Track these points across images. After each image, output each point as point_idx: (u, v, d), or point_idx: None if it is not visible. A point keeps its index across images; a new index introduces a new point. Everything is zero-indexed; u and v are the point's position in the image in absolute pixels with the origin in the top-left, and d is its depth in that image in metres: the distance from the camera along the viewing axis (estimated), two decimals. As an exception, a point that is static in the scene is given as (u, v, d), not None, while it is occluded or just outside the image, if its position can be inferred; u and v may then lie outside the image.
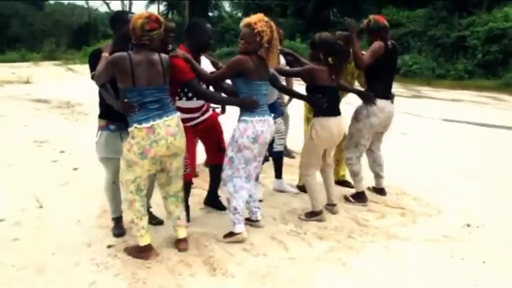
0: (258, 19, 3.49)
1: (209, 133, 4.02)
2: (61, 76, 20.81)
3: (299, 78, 4.18)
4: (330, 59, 3.99)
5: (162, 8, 40.89)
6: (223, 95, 3.85)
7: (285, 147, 5.78)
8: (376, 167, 4.78)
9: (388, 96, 4.51)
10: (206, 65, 3.95)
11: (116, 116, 3.46)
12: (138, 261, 3.33)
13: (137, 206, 3.36)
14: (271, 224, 4.04)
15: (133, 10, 41.73)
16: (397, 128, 8.23)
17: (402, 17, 21.39)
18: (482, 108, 11.84)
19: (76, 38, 42.53)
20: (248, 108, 3.53)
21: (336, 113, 4.06)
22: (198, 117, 3.93)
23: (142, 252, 3.40)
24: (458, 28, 19.09)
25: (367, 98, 4.42)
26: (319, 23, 20.86)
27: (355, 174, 4.58)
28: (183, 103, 3.82)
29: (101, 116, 3.65)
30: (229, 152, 3.62)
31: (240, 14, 35.27)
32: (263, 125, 3.57)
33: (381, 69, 4.37)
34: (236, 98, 3.61)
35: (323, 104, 3.95)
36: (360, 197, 4.55)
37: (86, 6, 52.97)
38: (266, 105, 3.70)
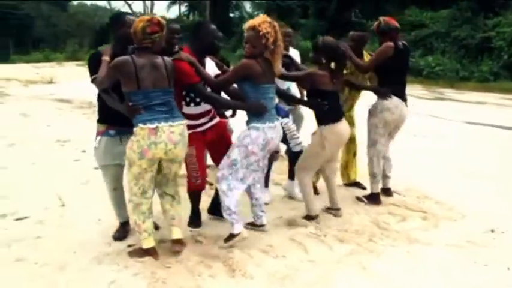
0: (261, 21, 3.45)
1: (218, 146, 3.88)
2: (83, 76, 20.91)
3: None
4: (332, 63, 3.97)
5: (183, 8, 41.21)
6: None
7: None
8: (384, 166, 4.76)
9: (402, 96, 4.50)
10: (211, 67, 3.87)
11: (116, 121, 3.48)
12: (158, 261, 3.35)
13: (142, 209, 3.37)
14: (290, 226, 4.03)
15: (154, 11, 42.08)
16: (418, 131, 8.15)
17: (425, 17, 21.12)
18: (507, 111, 11.61)
19: (98, 39, 43.06)
20: (256, 112, 3.50)
21: (341, 116, 4.04)
22: (206, 123, 3.83)
23: (144, 255, 3.39)
24: (484, 29, 18.75)
25: (382, 93, 4.44)
26: (341, 24, 20.73)
27: (373, 176, 4.59)
28: (191, 109, 3.74)
29: (100, 121, 3.63)
30: (234, 155, 3.55)
31: (261, 15, 35.33)
32: (273, 132, 3.56)
33: (392, 70, 4.39)
34: (243, 102, 3.57)
35: (324, 107, 3.91)
36: (373, 198, 4.57)
37: (108, 7, 53.60)
38: (274, 109, 3.67)
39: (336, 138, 3.96)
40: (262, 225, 3.89)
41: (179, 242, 3.51)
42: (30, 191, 5.01)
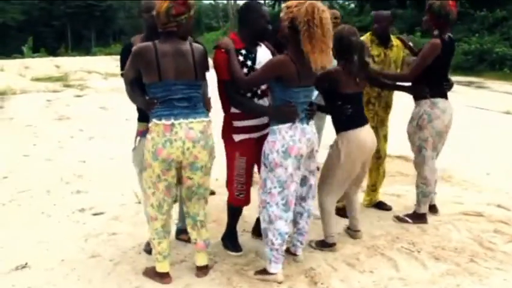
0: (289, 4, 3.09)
1: None
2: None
3: None
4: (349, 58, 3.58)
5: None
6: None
7: None
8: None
9: (446, 96, 4.16)
10: (265, 54, 3.44)
11: None
12: (235, 267, 3.42)
13: (157, 226, 3.18)
14: (379, 238, 3.94)
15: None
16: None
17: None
18: None
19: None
20: (285, 119, 3.14)
21: (364, 122, 3.66)
22: (264, 128, 3.41)
23: (157, 277, 3.28)
24: None
25: (420, 93, 4.10)
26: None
27: (425, 195, 4.26)
28: None
29: (140, 119, 3.47)
30: (263, 173, 3.24)
31: (352, 5, 34.73)
32: (294, 133, 3.13)
33: (436, 68, 4.03)
34: (270, 107, 3.30)
35: (347, 112, 3.55)
36: (419, 218, 4.27)
37: (190, -4, 55.29)
38: (304, 112, 3.25)
39: (355, 148, 3.54)
40: (295, 255, 3.58)
41: (203, 269, 3.36)
42: (108, 186, 5.32)
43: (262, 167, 3.23)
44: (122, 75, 3.26)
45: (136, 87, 3.16)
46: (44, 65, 22.33)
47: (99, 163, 6.28)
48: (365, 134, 3.63)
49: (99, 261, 3.59)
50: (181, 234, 3.91)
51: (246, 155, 3.43)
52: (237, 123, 3.41)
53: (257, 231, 3.79)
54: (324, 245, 3.77)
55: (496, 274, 3.36)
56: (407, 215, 4.34)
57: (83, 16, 51.59)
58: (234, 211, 3.67)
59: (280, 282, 3.21)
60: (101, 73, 19.07)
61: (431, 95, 4.08)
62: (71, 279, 3.34)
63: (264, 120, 3.40)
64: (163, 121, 2.96)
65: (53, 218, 4.48)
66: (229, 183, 3.55)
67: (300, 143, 3.14)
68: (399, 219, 4.32)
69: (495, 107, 9.95)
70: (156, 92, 3.00)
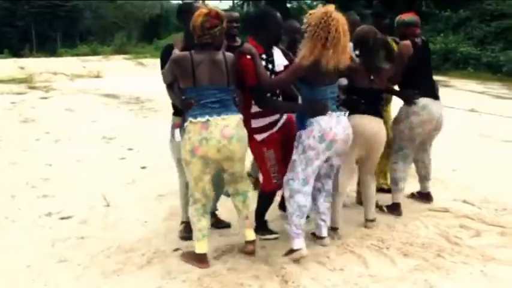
0: (312, 13, 3.41)
1: (291, 143, 3.75)
2: (131, 70, 21.79)
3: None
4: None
5: (237, -1, 41.57)
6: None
7: None
8: (422, 170, 4.71)
9: (432, 94, 4.40)
10: (280, 57, 3.81)
11: None
12: (206, 268, 3.41)
13: (198, 206, 3.43)
14: (349, 236, 3.98)
15: (206, 1, 42.76)
16: (497, 134, 7.83)
17: (508, 6, 20.24)
18: None
19: (147, 31, 44.28)
20: (318, 114, 3.45)
21: (372, 113, 3.92)
22: (279, 120, 3.80)
23: (195, 261, 3.46)
24: None
25: (408, 97, 4.35)
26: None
27: (395, 183, 4.49)
28: None
29: (175, 114, 3.74)
30: (294, 155, 3.56)
31: (321, 6, 35.08)
32: (329, 121, 3.45)
33: (413, 68, 4.29)
34: (303, 104, 3.60)
35: (360, 106, 3.87)
36: (394, 209, 4.46)
37: (158, -3, 54.98)
38: (334, 105, 3.59)
39: (357, 132, 3.75)
40: (321, 238, 3.82)
41: (251, 243, 3.58)
42: (75, 189, 5.24)
43: (294, 150, 3.55)
44: (162, 73, 3.53)
45: (174, 88, 3.49)
46: (8, 66, 21.76)
47: (66, 166, 6.17)
48: (367, 121, 3.87)
49: (67, 266, 3.52)
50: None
51: (272, 147, 3.71)
52: (257, 123, 3.67)
53: (283, 206, 4.21)
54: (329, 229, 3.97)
55: (462, 268, 3.43)
56: (386, 206, 4.53)
57: (47, 16, 50.55)
58: (270, 197, 3.93)
59: (303, 256, 3.47)
60: (67, 74, 18.76)
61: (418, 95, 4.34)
62: (37, 285, 3.27)
63: (278, 116, 3.77)
64: (199, 119, 3.24)
65: (18, 223, 4.38)
66: (264, 175, 3.80)
67: (336, 129, 3.45)
68: (377, 206, 4.48)
69: (460, 105, 10.17)
70: (191, 95, 3.31)
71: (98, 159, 6.46)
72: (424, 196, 4.77)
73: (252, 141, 3.63)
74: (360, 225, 4.17)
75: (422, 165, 4.72)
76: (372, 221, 4.16)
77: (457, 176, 5.58)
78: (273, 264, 3.48)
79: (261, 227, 3.95)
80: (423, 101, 4.33)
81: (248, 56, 3.48)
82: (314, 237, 3.86)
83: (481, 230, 4.10)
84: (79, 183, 5.45)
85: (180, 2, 49.73)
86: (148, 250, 3.73)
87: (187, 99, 3.32)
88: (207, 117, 3.24)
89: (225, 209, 4.26)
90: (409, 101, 4.36)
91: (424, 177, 4.77)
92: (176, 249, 3.72)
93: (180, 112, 3.57)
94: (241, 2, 40.68)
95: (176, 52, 3.45)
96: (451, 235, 3.99)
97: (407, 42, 4.30)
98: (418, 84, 4.37)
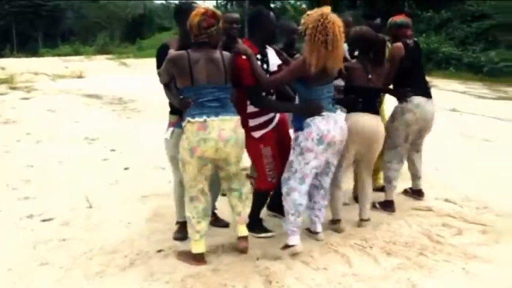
0: (306, 17, 3.50)
1: (284, 141, 3.94)
2: (114, 71, 21.63)
3: None
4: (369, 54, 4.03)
5: (220, -1, 41.50)
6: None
7: None
8: (412, 168, 4.83)
9: (425, 94, 4.53)
10: (273, 56, 3.88)
11: None
12: (190, 269, 3.40)
13: (199, 207, 3.46)
14: (332, 235, 4.00)
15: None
16: (478, 134, 7.94)
17: (488, 7, 20.51)
18: None
19: (130, 31, 44.06)
20: (312, 114, 3.52)
21: (370, 111, 4.01)
22: (274, 118, 3.88)
23: (192, 260, 3.48)
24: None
25: (402, 95, 4.46)
26: (394, 16, 20.42)
27: (389, 181, 4.60)
28: None
29: (172, 112, 3.77)
30: (290, 156, 3.64)
31: (304, 6, 35.20)
32: (327, 123, 3.52)
33: (406, 68, 4.41)
34: (298, 104, 3.67)
35: (357, 104, 3.96)
36: (387, 206, 4.57)
37: (140, -3, 54.58)
38: (330, 104, 3.67)
39: (355, 130, 3.86)
40: (316, 233, 3.92)
41: (244, 239, 3.63)
42: (57, 190, 5.18)
43: (291, 151, 3.62)
44: (158, 74, 3.58)
45: (173, 87, 3.52)
46: (-12, 66, 21.52)
47: (47, 167, 6.10)
48: (365, 118, 3.95)
49: (49, 269, 3.48)
50: None
51: (269, 144, 3.79)
52: (254, 122, 3.74)
53: (271, 206, 4.32)
54: (333, 222, 4.13)
55: (444, 266, 3.47)
56: (379, 202, 4.63)
57: (28, 16, 49.96)
58: (264, 195, 3.99)
59: (298, 252, 3.57)
60: (48, 75, 18.56)
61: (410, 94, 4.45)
62: (18, 288, 3.23)
63: (273, 114, 3.85)
64: (197, 119, 3.26)
65: (-1, 225, 4.32)
66: (260, 172, 3.86)
67: (334, 131, 3.54)
68: (373, 205, 4.55)
69: (442, 104, 10.27)
70: (189, 95, 3.33)
71: (80, 160, 6.40)
72: (416, 192, 4.91)
73: (249, 139, 3.64)
74: (350, 224, 4.18)
75: (413, 164, 4.82)
76: (367, 220, 4.22)
77: (440, 175, 5.65)
78: (258, 264, 3.48)
79: (256, 225, 3.98)
80: (417, 99, 4.44)
81: (244, 57, 3.53)
82: (309, 233, 3.94)
83: (462, 228, 4.16)
84: (61, 184, 5.39)
85: (164, 2, 49.70)
86: (131, 251, 3.71)
87: (185, 99, 3.34)
88: (204, 117, 3.27)
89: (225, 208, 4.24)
90: (402, 98, 4.47)
91: (415, 176, 4.88)
92: (159, 251, 3.70)
93: (177, 111, 3.61)
94: (225, 2, 40.63)
95: (172, 52, 3.47)
96: (434, 234, 4.03)
97: (399, 44, 4.41)
98: (411, 84, 4.47)
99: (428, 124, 4.57)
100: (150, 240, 3.93)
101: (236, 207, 3.65)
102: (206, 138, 3.26)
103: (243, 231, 3.64)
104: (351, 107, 4.02)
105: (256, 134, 3.77)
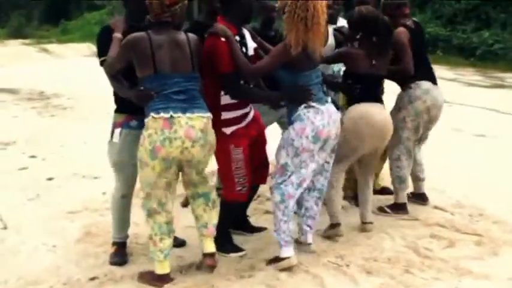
0: None
1: (258, 143, 3.99)
2: (32, 59, 21.15)
3: None
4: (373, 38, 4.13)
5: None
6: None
7: None
8: (415, 167, 4.91)
9: (432, 78, 4.70)
10: (250, 39, 3.94)
11: (137, 109, 3.52)
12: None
13: (160, 220, 3.46)
14: (302, 253, 4.02)
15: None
16: (471, 128, 8.14)
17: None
18: None
19: (52, 10, 43.15)
20: (302, 100, 3.64)
21: (376, 100, 4.20)
22: (249, 112, 3.91)
23: (156, 281, 3.50)
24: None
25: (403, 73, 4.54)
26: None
27: (401, 181, 4.72)
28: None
29: (118, 110, 3.76)
30: (282, 158, 3.71)
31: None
32: (322, 118, 3.64)
33: (413, 51, 4.54)
34: (283, 91, 3.75)
35: (355, 90, 4.13)
36: (400, 209, 4.72)
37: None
38: (321, 91, 3.79)
39: (366, 124, 4.04)
40: (307, 244, 4.02)
41: (211, 256, 3.64)
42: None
43: (282, 153, 3.70)
44: (101, 63, 3.55)
45: (122, 78, 3.50)
46: None
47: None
48: (372, 109, 4.11)
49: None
50: None
51: (242, 145, 3.78)
52: (227, 115, 3.75)
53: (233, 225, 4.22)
54: (332, 226, 4.27)
55: (434, 285, 3.55)
56: (388, 206, 4.74)
57: None
58: (233, 208, 3.97)
59: (293, 265, 3.68)
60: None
61: (417, 79, 4.59)
62: None
63: (248, 109, 3.87)
64: (162, 114, 3.26)
65: None
66: (226, 180, 3.88)
67: (329, 125, 3.68)
68: (380, 209, 4.69)
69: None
70: (151, 86, 3.32)
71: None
72: (418, 197, 5.00)
73: (218, 136, 3.63)
74: (315, 239, 4.22)
75: (416, 163, 4.90)
76: (370, 223, 4.37)
77: (426, 177, 5.73)
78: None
79: (225, 240, 3.99)
80: (424, 84, 4.58)
81: (222, 39, 3.51)
82: (298, 244, 4.00)
83: (454, 239, 4.25)
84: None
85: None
86: (58, 281, 3.64)
87: (146, 90, 3.31)
88: (171, 112, 3.27)
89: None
90: (407, 82, 4.59)
91: (417, 177, 4.98)
92: (93, 278, 3.65)
93: (124, 109, 3.63)
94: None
95: (118, 36, 3.45)
96: (421, 247, 4.11)
97: (402, 29, 4.52)
98: (418, 68, 4.56)
99: (439, 113, 4.71)
100: (80, 266, 3.87)
101: (201, 217, 3.64)
102: (172, 137, 3.26)
103: (210, 246, 3.65)
104: (354, 97, 4.16)
105: (227, 130, 3.77)
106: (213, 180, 4.88)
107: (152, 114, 3.28)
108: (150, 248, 3.52)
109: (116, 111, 3.77)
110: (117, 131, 3.70)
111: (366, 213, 4.41)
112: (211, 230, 3.66)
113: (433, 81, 4.70)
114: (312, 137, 3.59)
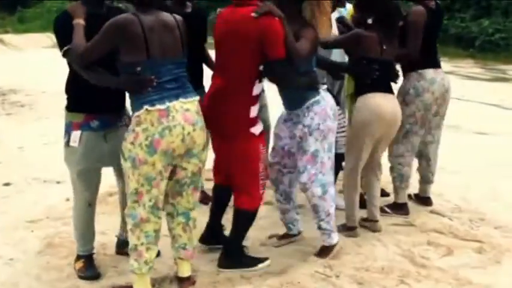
0: None
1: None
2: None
3: None
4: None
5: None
6: None
7: None
8: (426, 166, 5.00)
9: (438, 64, 4.76)
10: None
11: (98, 107, 3.48)
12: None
13: (148, 229, 3.37)
14: (289, 262, 4.04)
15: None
16: (471, 125, 8.20)
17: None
18: None
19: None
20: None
21: (388, 89, 4.31)
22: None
23: None
24: None
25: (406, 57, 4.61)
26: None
27: (403, 179, 4.78)
28: (259, 87, 3.75)
29: (74, 109, 3.62)
30: (310, 146, 3.84)
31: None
32: (330, 98, 3.98)
33: (424, 38, 4.59)
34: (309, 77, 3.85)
35: (371, 74, 4.17)
36: (400, 209, 4.80)
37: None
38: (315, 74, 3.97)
39: (378, 115, 4.14)
40: (298, 234, 4.35)
41: (188, 281, 3.63)
42: None
43: (311, 140, 3.81)
44: (64, 53, 3.41)
45: (97, 67, 3.33)
46: None
47: None
48: (382, 99, 4.22)
49: None
50: (125, 247, 3.78)
51: (264, 143, 3.83)
52: (254, 112, 3.69)
53: (206, 239, 4.11)
54: (348, 229, 4.45)
55: (431, 297, 3.58)
56: (388, 206, 4.81)
57: None
58: (253, 217, 3.88)
59: (341, 247, 4.05)
60: None
61: (420, 66, 4.62)
62: None
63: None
64: (158, 106, 3.20)
65: None
66: (251, 185, 3.76)
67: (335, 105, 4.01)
68: (380, 209, 4.68)
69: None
70: (143, 74, 3.22)
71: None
72: (422, 200, 5.05)
73: (247, 138, 3.65)
74: (311, 245, 4.23)
75: (425, 161, 4.97)
76: (378, 221, 4.50)
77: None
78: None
79: (242, 257, 3.94)
80: (429, 73, 4.64)
81: (277, 19, 3.46)
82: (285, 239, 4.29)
83: (453, 247, 4.28)
84: None
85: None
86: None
87: (143, 76, 3.20)
88: (166, 103, 3.23)
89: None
90: (410, 69, 4.66)
91: (426, 178, 5.01)
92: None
93: (82, 107, 3.53)
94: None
95: (81, 22, 3.34)
96: (417, 255, 4.14)
97: (421, 8, 4.56)
98: (424, 54, 4.61)
99: (447, 102, 4.77)
100: (41, 280, 3.83)
101: (180, 237, 3.60)
102: (171, 125, 3.21)
103: (187, 270, 3.63)
104: (366, 84, 4.23)
105: (257, 131, 3.74)
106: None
107: (146, 106, 3.20)
108: (131, 260, 3.43)
109: (71, 109, 3.63)
110: (76, 133, 3.57)
111: (375, 210, 4.50)
112: (191, 253, 3.63)
113: (438, 66, 4.75)
114: (332, 115, 3.88)
